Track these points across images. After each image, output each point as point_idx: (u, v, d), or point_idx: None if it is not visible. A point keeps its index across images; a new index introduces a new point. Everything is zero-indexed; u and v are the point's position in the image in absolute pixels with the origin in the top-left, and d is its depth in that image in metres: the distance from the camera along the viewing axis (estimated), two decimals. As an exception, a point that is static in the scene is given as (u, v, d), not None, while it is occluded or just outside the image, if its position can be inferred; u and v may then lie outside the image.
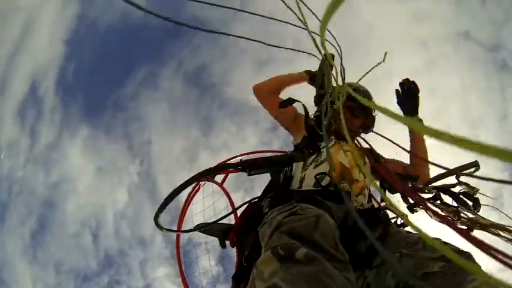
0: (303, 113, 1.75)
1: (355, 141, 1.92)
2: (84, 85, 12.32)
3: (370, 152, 1.80)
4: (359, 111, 1.92)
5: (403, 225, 1.40)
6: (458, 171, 1.51)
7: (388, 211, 1.49)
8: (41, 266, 11.70)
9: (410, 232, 1.22)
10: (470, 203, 1.47)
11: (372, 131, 2.00)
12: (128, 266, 11.70)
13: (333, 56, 1.72)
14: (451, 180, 1.54)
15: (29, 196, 11.91)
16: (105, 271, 11.77)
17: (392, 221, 1.46)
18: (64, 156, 12.03)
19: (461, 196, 1.50)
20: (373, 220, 1.27)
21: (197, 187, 2.02)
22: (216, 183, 1.80)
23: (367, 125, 1.98)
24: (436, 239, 1.04)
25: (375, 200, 1.83)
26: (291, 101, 1.77)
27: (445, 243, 1.01)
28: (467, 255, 0.95)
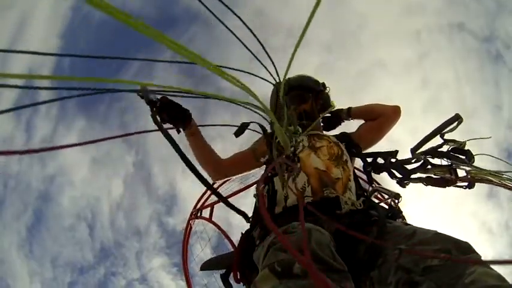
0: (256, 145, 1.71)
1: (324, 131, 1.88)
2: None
3: (344, 137, 1.75)
4: (301, 96, 1.84)
5: (399, 212, 1.37)
6: (442, 129, 1.48)
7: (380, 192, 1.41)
8: (37, 260, 11.71)
9: (408, 224, 1.20)
10: (463, 157, 1.44)
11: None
12: (124, 257, 11.75)
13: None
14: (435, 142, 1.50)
15: (25, 190, 11.86)
16: (102, 263, 11.82)
17: (386, 206, 1.42)
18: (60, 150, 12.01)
19: (451, 153, 1.47)
20: (368, 220, 1.24)
21: (189, 226, 2.03)
22: (206, 219, 1.78)
23: (320, 103, 1.89)
24: (432, 230, 1.02)
25: (365, 185, 1.76)
26: (244, 126, 1.57)
27: (442, 233, 0.99)
28: (467, 246, 0.92)
